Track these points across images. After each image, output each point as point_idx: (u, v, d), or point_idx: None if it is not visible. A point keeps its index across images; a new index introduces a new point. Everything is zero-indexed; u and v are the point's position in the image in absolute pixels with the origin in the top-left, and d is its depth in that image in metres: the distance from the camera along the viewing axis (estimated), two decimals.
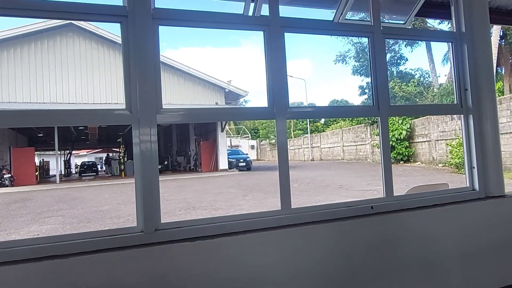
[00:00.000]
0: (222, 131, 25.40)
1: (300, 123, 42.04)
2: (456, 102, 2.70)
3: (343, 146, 29.44)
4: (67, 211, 10.23)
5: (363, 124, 26.22)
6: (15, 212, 10.51)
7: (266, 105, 2.13)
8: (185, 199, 11.75)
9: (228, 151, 26.85)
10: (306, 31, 2.38)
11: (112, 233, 1.74)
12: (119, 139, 34.81)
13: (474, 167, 2.60)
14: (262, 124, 50.58)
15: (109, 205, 11.30)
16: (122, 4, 1.83)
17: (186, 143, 30.19)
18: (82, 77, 20.79)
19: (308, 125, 37.31)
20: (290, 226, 2.02)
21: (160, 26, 1.88)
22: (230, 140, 39.67)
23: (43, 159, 32.79)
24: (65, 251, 1.61)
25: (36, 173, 22.50)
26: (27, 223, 8.51)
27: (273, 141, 38.78)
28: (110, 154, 39.90)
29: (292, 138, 39.18)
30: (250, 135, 47.16)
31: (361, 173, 17.99)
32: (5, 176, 19.92)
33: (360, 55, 29.93)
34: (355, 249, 2.13)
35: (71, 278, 1.59)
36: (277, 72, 2.12)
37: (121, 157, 28.12)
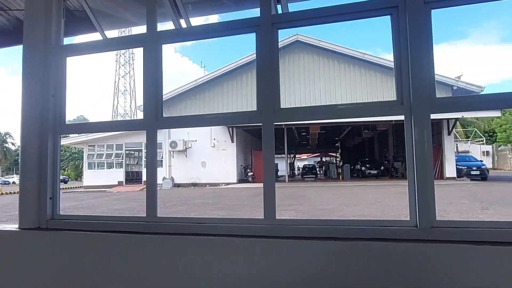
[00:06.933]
0: (449, 134, 22.44)
1: None
2: None
3: None
4: (297, 206, 11.46)
5: None
6: (259, 204, 12.60)
7: None
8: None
9: (456, 157, 23.64)
10: None
11: (384, 224, 1.75)
12: (337, 144, 36.49)
13: None
14: (501, 126, 41.83)
15: (332, 205, 11.93)
16: None
17: (403, 148, 28.41)
18: (305, 87, 23.05)
19: None
20: None
21: (432, 11, 1.77)
22: (456, 145, 34.50)
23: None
24: (344, 235, 1.74)
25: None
26: None
27: None
28: (324, 159, 42.65)
29: None
30: (484, 139, 39.47)
31: None
32: (249, 174, 24.91)
33: None
34: None
35: (346, 260, 1.69)
36: None
37: (337, 161, 29.15)
